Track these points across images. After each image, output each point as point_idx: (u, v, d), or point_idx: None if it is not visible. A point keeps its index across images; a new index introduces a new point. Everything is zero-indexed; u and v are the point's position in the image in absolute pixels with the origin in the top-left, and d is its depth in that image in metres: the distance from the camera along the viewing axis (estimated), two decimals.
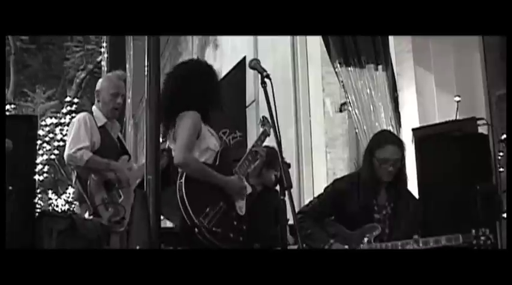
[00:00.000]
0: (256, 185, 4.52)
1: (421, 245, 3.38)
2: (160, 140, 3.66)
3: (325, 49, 5.57)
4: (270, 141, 3.81)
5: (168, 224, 3.82)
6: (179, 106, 3.51)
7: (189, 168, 3.32)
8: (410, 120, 5.49)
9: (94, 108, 4.18)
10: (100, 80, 4.35)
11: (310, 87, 7.29)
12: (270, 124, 3.79)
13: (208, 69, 3.69)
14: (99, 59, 17.84)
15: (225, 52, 9.21)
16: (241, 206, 3.43)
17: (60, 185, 17.77)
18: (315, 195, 3.88)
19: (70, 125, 4.16)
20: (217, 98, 3.66)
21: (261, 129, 3.90)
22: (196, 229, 3.17)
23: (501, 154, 4.65)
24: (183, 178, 3.27)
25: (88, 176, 3.89)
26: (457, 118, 4.91)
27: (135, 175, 4.06)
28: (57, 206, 15.68)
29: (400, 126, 5.25)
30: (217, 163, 3.49)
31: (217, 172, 3.44)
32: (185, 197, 3.20)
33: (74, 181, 4.04)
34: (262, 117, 3.92)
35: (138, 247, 3.03)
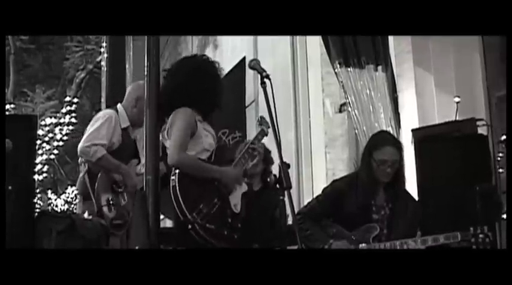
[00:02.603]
0: (251, 182, 4.53)
1: (419, 243, 3.38)
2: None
3: (325, 50, 5.57)
4: (269, 141, 3.81)
5: (168, 224, 3.81)
6: (175, 102, 3.44)
7: (184, 167, 3.29)
8: (410, 120, 5.49)
9: (119, 106, 4.14)
10: (138, 84, 4.21)
11: (309, 87, 7.29)
12: (267, 124, 3.76)
13: (210, 66, 3.60)
14: (98, 59, 17.79)
15: (225, 52, 9.21)
16: (236, 203, 3.41)
17: (60, 185, 17.73)
18: (315, 195, 3.88)
19: (95, 118, 4.09)
20: (217, 96, 3.58)
21: (259, 129, 3.86)
22: (189, 225, 3.14)
23: (501, 154, 4.65)
24: (177, 173, 3.25)
25: (99, 173, 3.87)
26: (457, 119, 4.91)
27: (140, 180, 4.03)
28: (56, 206, 15.62)
29: (399, 126, 5.25)
30: (212, 160, 3.46)
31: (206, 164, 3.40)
32: (178, 193, 3.16)
33: (81, 175, 3.99)
34: (260, 116, 3.89)
35: (137, 247, 3.04)
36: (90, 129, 3.98)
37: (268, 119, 2.99)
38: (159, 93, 3.36)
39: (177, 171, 3.23)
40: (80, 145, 3.92)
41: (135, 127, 4.16)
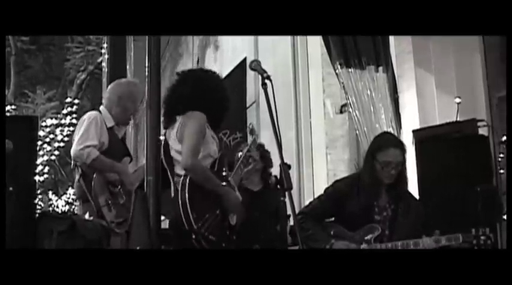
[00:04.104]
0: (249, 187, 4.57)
1: (421, 245, 3.38)
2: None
3: (325, 50, 5.57)
4: (270, 142, 3.82)
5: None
6: (188, 104, 3.52)
7: (196, 174, 3.32)
8: (411, 121, 5.49)
9: (102, 108, 4.15)
10: (118, 83, 4.30)
11: (310, 88, 7.30)
12: (256, 132, 3.84)
13: (223, 84, 3.76)
14: (99, 60, 17.81)
15: (226, 53, 9.21)
16: (232, 215, 3.46)
17: (61, 186, 17.74)
18: (315, 196, 3.88)
19: (80, 121, 4.10)
20: (226, 109, 3.72)
21: (251, 138, 3.94)
22: (193, 235, 3.17)
23: (501, 155, 4.65)
24: (187, 182, 3.26)
25: (93, 175, 3.88)
26: (458, 119, 4.91)
27: (136, 177, 4.05)
28: (57, 207, 15.63)
29: (400, 127, 5.25)
30: (215, 169, 3.50)
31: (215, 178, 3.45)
32: (187, 202, 3.19)
33: (77, 179, 4.00)
34: (251, 126, 3.96)
35: (138, 248, 3.04)
36: (78, 132, 3.98)
37: (266, 122, 3.02)
38: (160, 93, 3.40)
39: (187, 181, 3.25)
40: (73, 149, 3.92)
41: (120, 126, 4.18)
